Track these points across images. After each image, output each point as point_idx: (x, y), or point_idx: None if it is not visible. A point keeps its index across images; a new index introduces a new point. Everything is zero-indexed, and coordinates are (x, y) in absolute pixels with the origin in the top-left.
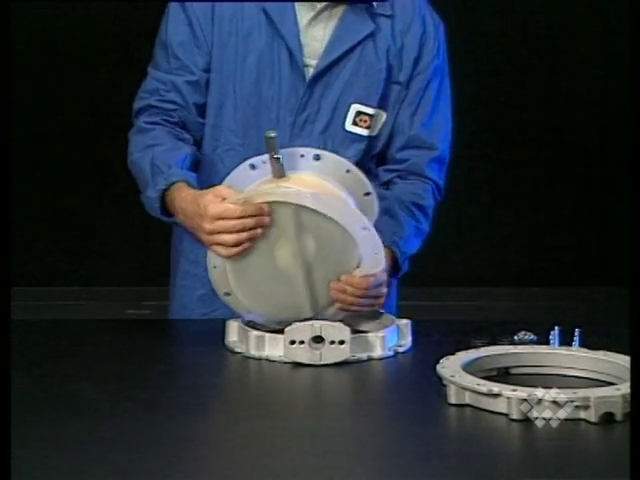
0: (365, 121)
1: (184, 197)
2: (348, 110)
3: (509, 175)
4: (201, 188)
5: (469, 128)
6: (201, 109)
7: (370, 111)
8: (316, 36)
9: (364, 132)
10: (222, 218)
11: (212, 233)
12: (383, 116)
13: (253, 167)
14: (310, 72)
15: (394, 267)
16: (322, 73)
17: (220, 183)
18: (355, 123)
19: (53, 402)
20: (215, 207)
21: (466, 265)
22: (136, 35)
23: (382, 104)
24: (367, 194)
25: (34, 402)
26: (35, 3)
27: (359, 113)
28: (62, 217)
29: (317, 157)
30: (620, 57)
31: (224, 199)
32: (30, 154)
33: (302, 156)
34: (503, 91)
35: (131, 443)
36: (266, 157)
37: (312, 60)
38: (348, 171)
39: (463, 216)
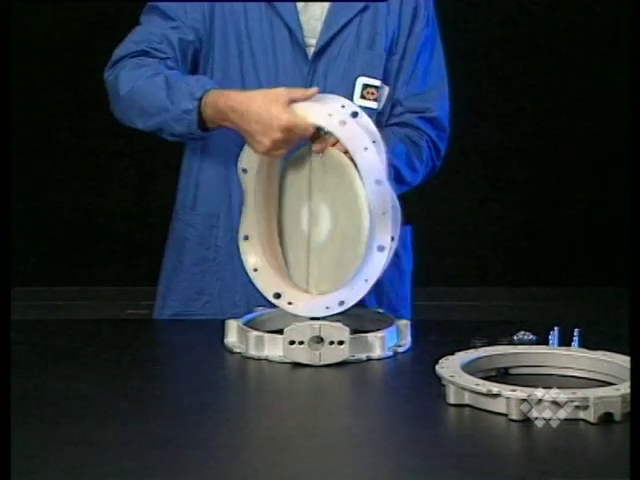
0: (372, 94)
1: (233, 97)
2: (355, 84)
3: (510, 175)
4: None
5: (471, 126)
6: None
7: (376, 83)
8: (314, 15)
9: (373, 105)
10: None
11: (277, 142)
12: (386, 89)
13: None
14: (312, 51)
15: None
16: (323, 49)
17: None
18: (363, 97)
19: (53, 402)
20: (288, 118)
21: (466, 265)
22: None
23: (385, 77)
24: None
25: (34, 402)
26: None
27: (366, 86)
28: (62, 217)
29: (355, 114)
30: (621, 57)
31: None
32: (30, 154)
33: (343, 107)
34: (503, 91)
35: (131, 443)
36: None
37: (312, 39)
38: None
39: (463, 216)
